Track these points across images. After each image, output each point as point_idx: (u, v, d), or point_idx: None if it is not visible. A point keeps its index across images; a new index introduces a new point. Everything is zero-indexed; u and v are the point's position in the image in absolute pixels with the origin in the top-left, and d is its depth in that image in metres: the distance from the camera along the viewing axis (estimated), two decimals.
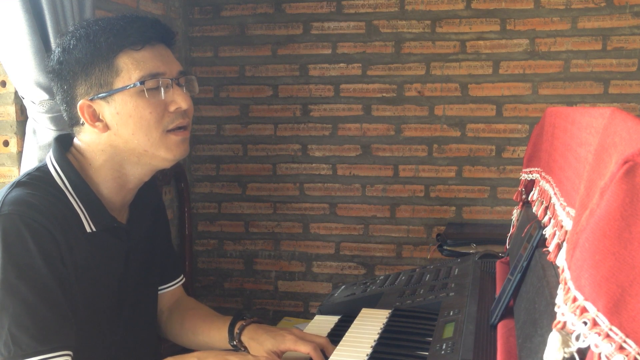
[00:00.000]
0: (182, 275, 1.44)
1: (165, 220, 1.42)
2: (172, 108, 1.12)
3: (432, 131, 2.86)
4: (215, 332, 1.28)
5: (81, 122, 1.12)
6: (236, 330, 1.24)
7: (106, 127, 1.11)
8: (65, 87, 1.11)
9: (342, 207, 2.99)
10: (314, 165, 2.99)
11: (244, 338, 1.22)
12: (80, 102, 1.09)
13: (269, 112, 3.01)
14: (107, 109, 1.10)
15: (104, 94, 1.09)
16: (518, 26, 2.74)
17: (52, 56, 1.13)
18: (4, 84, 1.92)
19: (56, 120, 1.80)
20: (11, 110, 1.92)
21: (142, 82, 1.08)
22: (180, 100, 1.12)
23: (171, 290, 1.41)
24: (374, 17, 2.86)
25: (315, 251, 3.03)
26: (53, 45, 1.75)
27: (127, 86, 1.08)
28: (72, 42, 1.09)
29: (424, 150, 2.88)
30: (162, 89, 1.10)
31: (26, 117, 1.86)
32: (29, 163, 1.83)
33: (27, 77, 1.74)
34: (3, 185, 1.95)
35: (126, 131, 1.10)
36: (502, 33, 2.76)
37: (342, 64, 2.91)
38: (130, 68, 1.08)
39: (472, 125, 2.83)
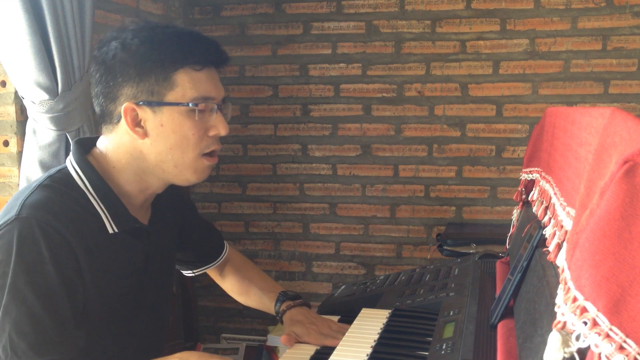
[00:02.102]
0: (225, 247, 1.53)
1: (191, 208, 1.47)
2: (211, 133, 1.13)
3: (432, 131, 2.86)
4: (263, 301, 1.47)
5: (115, 121, 1.11)
6: (283, 308, 1.39)
7: (145, 135, 1.10)
8: (112, 83, 1.09)
9: (342, 207, 2.99)
10: (314, 165, 2.99)
11: (285, 317, 1.37)
12: (126, 104, 1.07)
13: (269, 112, 3.01)
14: (152, 118, 1.09)
15: (153, 103, 1.08)
16: (518, 26, 2.74)
17: (105, 48, 1.10)
18: (4, 84, 1.92)
19: (56, 120, 1.80)
20: (11, 110, 1.92)
21: (195, 104, 1.09)
22: (221, 127, 1.13)
23: (220, 262, 1.52)
24: (374, 17, 2.86)
25: (315, 251, 3.03)
26: (53, 45, 1.75)
27: (181, 103, 1.08)
28: (134, 42, 1.07)
29: (424, 150, 2.88)
30: (209, 114, 1.11)
31: (26, 117, 1.86)
32: (29, 163, 1.83)
33: (27, 77, 1.74)
34: (2, 185, 1.95)
35: (164, 144, 1.10)
36: (502, 33, 2.76)
37: (342, 64, 2.91)
38: (186, 86, 1.08)
39: (472, 125, 2.83)
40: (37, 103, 1.77)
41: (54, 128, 1.81)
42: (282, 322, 1.38)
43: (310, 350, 1.23)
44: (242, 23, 3.00)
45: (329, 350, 1.16)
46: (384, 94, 2.88)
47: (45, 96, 1.76)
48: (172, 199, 1.31)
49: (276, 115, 3.01)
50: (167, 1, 2.84)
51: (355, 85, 2.91)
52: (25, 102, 1.81)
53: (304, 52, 2.94)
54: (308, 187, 3.01)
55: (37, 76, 1.73)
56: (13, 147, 1.93)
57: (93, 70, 1.12)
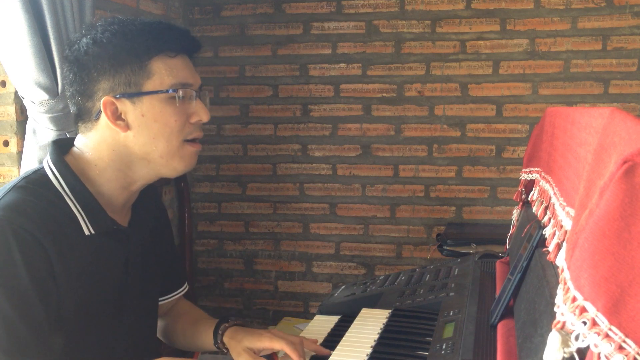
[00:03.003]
0: (185, 284, 1.44)
1: (167, 222, 1.40)
2: (193, 119, 1.13)
3: (432, 131, 2.86)
4: (202, 335, 1.30)
5: (94, 118, 1.10)
6: (219, 332, 1.26)
7: (127, 127, 1.09)
8: (87, 79, 1.08)
9: (342, 207, 2.99)
10: (314, 165, 2.99)
11: (225, 339, 1.25)
12: (105, 98, 1.07)
13: (269, 112, 3.01)
14: (132, 110, 1.08)
15: (132, 94, 1.07)
16: (518, 26, 2.74)
17: (76, 45, 1.09)
18: (4, 84, 1.92)
19: (56, 120, 1.80)
20: (11, 110, 1.92)
21: (174, 90, 1.08)
22: (202, 113, 1.13)
23: (173, 299, 1.41)
24: (374, 17, 2.86)
25: (315, 251, 3.03)
26: (53, 45, 1.75)
27: (160, 91, 1.08)
28: (105, 35, 1.07)
29: (424, 150, 2.88)
30: (188, 101, 1.11)
31: (26, 117, 1.86)
32: (29, 163, 1.83)
33: (27, 77, 1.74)
34: (2, 185, 1.95)
35: (147, 134, 1.09)
36: (502, 33, 2.76)
37: (342, 64, 2.91)
38: (163, 73, 1.08)
39: (472, 125, 2.83)
40: (37, 103, 1.77)
41: (54, 128, 1.81)
42: (224, 346, 1.25)
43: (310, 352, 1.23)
44: (242, 23, 3.00)
45: (333, 344, 1.17)
46: (384, 94, 2.89)
47: (45, 96, 1.76)
48: (151, 204, 1.28)
49: (276, 115, 3.01)
50: (167, 1, 2.84)
51: (355, 85, 2.91)
52: (25, 102, 1.81)
53: (304, 52, 2.94)
54: (308, 187, 3.01)
55: (37, 76, 1.73)
56: (13, 147, 1.93)
57: (66, 70, 1.11)
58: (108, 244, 1.12)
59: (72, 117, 1.81)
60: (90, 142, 1.12)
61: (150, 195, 1.28)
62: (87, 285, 1.08)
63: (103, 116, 1.08)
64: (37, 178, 1.09)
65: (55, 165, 1.10)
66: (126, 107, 1.08)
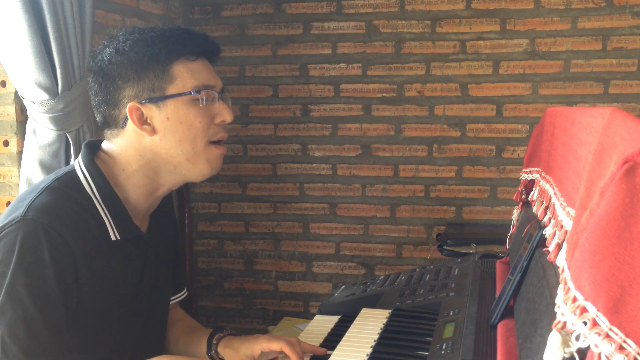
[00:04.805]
0: (185, 290, 1.45)
1: (176, 228, 1.42)
2: (217, 120, 1.14)
3: (432, 131, 2.86)
4: (195, 344, 1.31)
5: (121, 125, 1.12)
6: (213, 342, 1.27)
7: (153, 132, 1.11)
8: (112, 88, 1.10)
9: (342, 207, 2.99)
10: (314, 165, 2.99)
11: (219, 348, 1.26)
12: (130, 104, 1.09)
13: (269, 112, 3.01)
14: (157, 114, 1.10)
15: (157, 99, 1.09)
16: (518, 26, 2.74)
17: (99, 56, 1.12)
18: (4, 84, 1.92)
19: (56, 120, 1.80)
20: (11, 110, 1.92)
21: (197, 92, 1.10)
22: (226, 114, 1.15)
23: (171, 304, 1.41)
24: (374, 17, 2.86)
25: (315, 251, 3.03)
26: (53, 45, 1.75)
27: (183, 93, 1.10)
28: (127, 44, 1.09)
29: (424, 150, 2.88)
30: (211, 103, 1.13)
31: (26, 117, 1.86)
32: (29, 163, 1.83)
33: (27, 77, 1.74)
34: (2, 185, 1.95)
35: (173, 137, 1.11)
36: (502, 33, 2.76)
37: (342, 64, 2.91)
38: (185, 77, 1.10)
39: (472, 125, 2.83)
40: (37, 103, 1.77)
41: (54, 128, 1.81)
42: (218, 356, 1.26)
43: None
44: (242, 23, 3.00)
45: (333, 344, 1.17)
46: (384, 94, 2.88)
47: (45, 96, 1.76)
48: (167, 215, 1.31)
49: (276, 115, 3.01)
50: (167, 1, 2.84)
51: (355, 85, 2.91)
52: (25, 102, 1.81)
53: (304, 52, 2.94)
54: (308, 187, 3.01)
55: (37, 76, 1.73)
56: (13, 147, 1.93)
57: (91, 81, 1.14)
58: (129, 249, 1.14)
59: (73, 117, 1.83)
60: (118, 147, 1.14)
61: (166, 203, 1.29)
62: (106, 289, 1.09)
63: (130, 122, 1.10)
64: (69, 180, 1.10)
65: (87, 168, 1.11)
66: (151, 111, 1.10)
